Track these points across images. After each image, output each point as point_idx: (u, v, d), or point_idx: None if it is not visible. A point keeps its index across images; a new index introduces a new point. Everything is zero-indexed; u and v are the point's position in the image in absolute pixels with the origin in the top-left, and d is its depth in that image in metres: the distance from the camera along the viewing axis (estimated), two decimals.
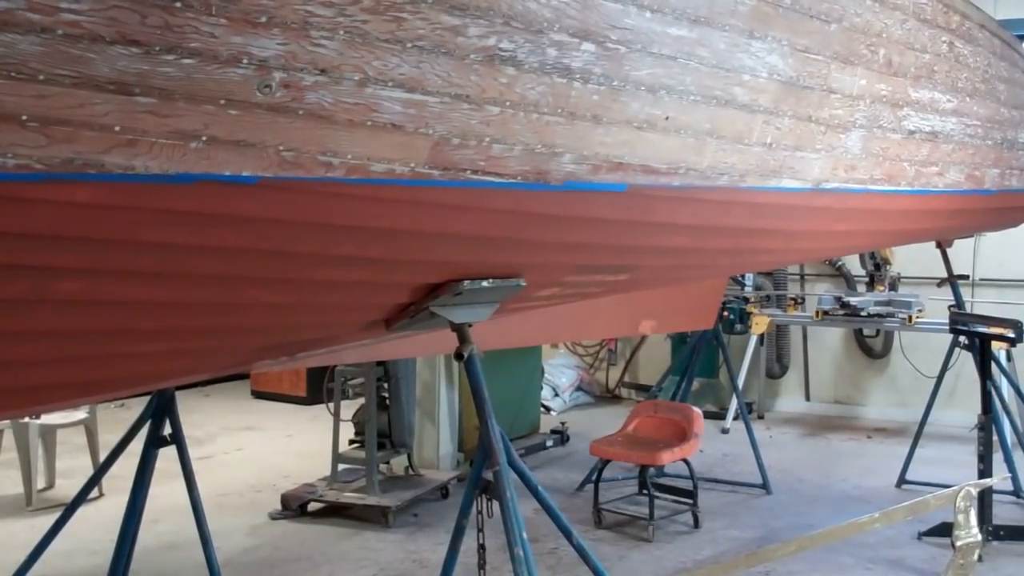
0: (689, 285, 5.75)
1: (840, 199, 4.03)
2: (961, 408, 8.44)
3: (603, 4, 2.67)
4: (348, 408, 6.91)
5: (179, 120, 2.06)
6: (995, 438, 5.74)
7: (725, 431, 8.91)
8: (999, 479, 5.33)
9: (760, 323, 9.01)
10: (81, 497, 4.22)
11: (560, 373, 10.44)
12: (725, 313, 8.61)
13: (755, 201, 3.61)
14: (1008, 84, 5.13)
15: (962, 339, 5.92)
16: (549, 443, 8.23)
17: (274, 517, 6.34)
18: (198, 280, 2.48)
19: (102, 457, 5.02)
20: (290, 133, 2.23)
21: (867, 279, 8.86)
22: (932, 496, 3.78)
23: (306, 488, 6.56)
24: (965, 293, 7.65)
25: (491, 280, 3.12)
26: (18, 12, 1.79)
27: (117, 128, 1.99)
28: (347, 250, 2.66)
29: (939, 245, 6.95)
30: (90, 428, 6.82)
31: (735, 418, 8.82)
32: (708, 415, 7.76)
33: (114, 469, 4.26)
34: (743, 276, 9.21)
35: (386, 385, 6.68)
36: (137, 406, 4.60)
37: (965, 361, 7.54)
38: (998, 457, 5.79)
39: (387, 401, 6.68)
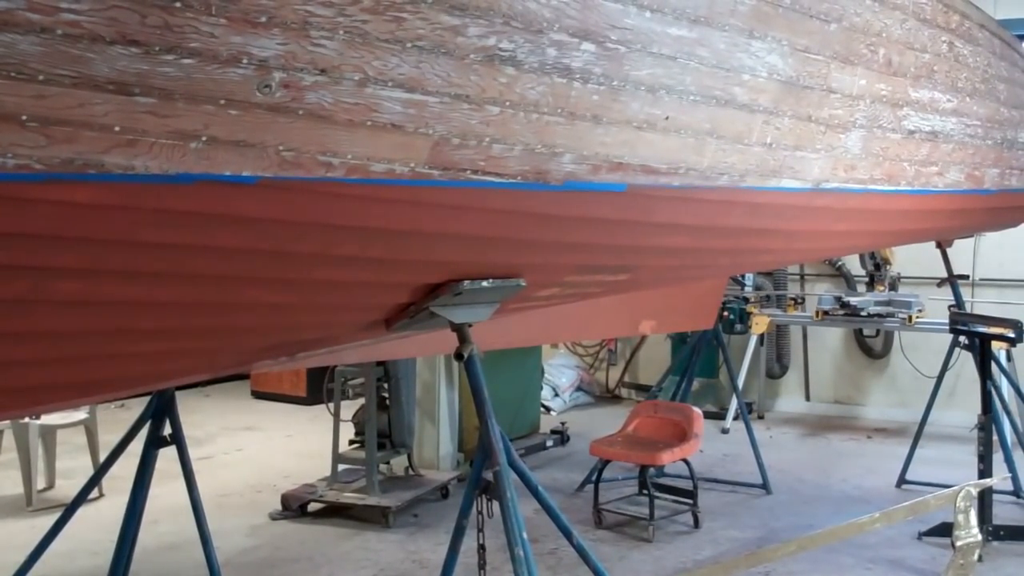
0: (689, 285, 5.75)
1: (840, 199, 4.03)
2: (961, 408, 8.45)
3: (603, 4, 2.66)
4: (348, 408, 6.91)
5: (179, 120, 2.06)
6: (995, 438, 5.74)
7: (725, 431, 8.91)
8: (999, 479, 5.33)
9: (760, 323, 9.01)
10: (81, 497, 4.22)
11: (560, 373, 10.44)
12: (725, 313, 8.62)
13: (755, 201, 3.61)
14: (1008, 84, 5.13)
15: (962, 339, 5.92)
16: (549, 443, 8.23)
17: (274, 517, 6.34)
18: (198, 280, 2.48)
19: (102, 457, 5.02)
20: (290, 133, 2.23)
21: (867, 279, 8.86)
22: (932, 496, 3.77)
23: (306, 488, 6.56)
24: (965, 293, 7.66)
25: (491, 280, 3.12)
26: (18, 12, 1.79)
27: (117, 128, 1.99)
28: (347, 250, 2.66)
29: (939, 245, 6.95)
30: (90, 428, 6.82)
31: (735, 418, 8.82)
32: (708, 415, 7.76)
33: (114, 469, 4.26)
34: (743, 276, 9.22)
35: (386, 385, 6.68)
36: (137, 406, 4.60)
37: (965, 361, 7.54)
38: (998, 457, 5.79)
39: (387, 401, 6.68)
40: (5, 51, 1.81)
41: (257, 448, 8.47)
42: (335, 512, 6.36)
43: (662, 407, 6.75)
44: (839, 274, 9.89)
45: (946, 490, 3.67)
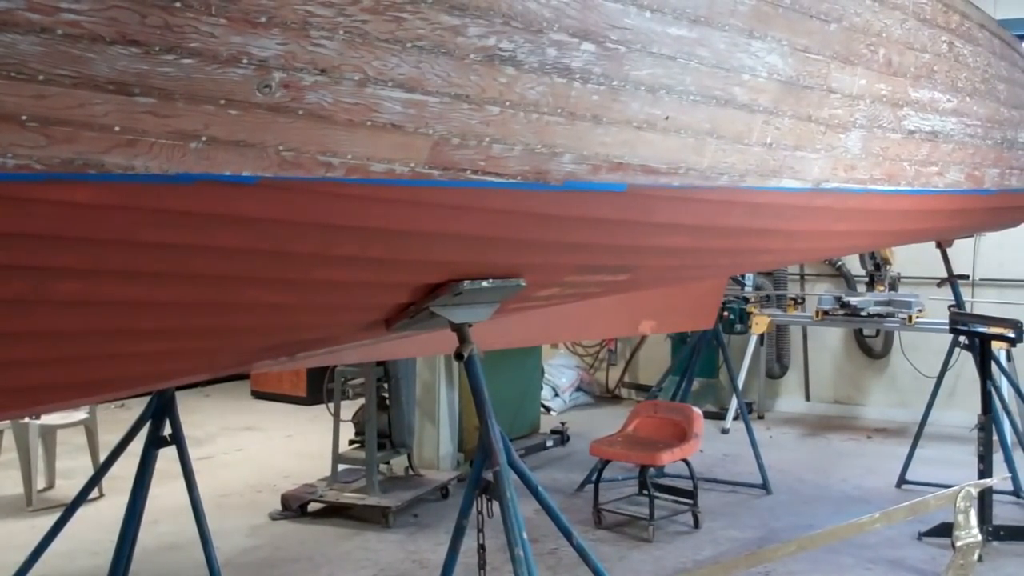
0: (689, 285, 5.75)
1: (840, 199, 4.03)
2: (961, 408, 8.45)
3: (603, 4, 2.66)
4: (348, 408, 6.91)
5: (179, 120, 2.06)
6: (995, 438, 5.74)
7: (725, 431, 8.91)
8: (999, 479, 5.33)
9: (760, 323, 9.01)
10: (81, 497, 4.22)
11: (560, 373, 10.44)
12: (725, 313, 8.62)
13: (755, 201, 3.61)
14: (1008, 84, 5.13)
15: (962, 339, 5.92)
16: (549, 443, 8.23)
17: (274, 517, 6.34)
18: (198, 280, 2.48)
19: (102, 457, 5.02)
20: (290, 133, 2.23)
21: (867, 279, 8.86)
22: (932, 496, 3.77)
23: (306, 488, 6.56)
24: (965, 293, 7.65)
25: (491, 280, 3.12)
26: (18, 12, 1.79)
27: (117, 128, 1.99)
28: (347, 250, 2.66)
29: (939, 245, 6.95)
30: (90, 428, 6.82)
31: (735, 418, 8.82)
32: (708, 415, 7.76)
33: (114, 469, 4.26)
34: (743, 276, 9.21)
35: (386, 385, 6.68)
36: (137, 406, 4.60)
37: (965, 361, 7.54)
38: (998, 457, 5.79)
39: (387, 401, 6.68)
40: (5, 51, 1.81)
41: (257, 448, 8.47)
42: (335, 512, 6.36)
43: (662, 407, 6.75)
44: (839, 274, 9.89)
45: (946, 490, 3.67)
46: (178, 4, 1.95)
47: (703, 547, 5.78)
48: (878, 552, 5.52)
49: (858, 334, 9.80)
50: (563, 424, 8.71)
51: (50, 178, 1.98)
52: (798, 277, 10.13)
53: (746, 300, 9.19)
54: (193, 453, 4.37)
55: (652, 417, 6.56)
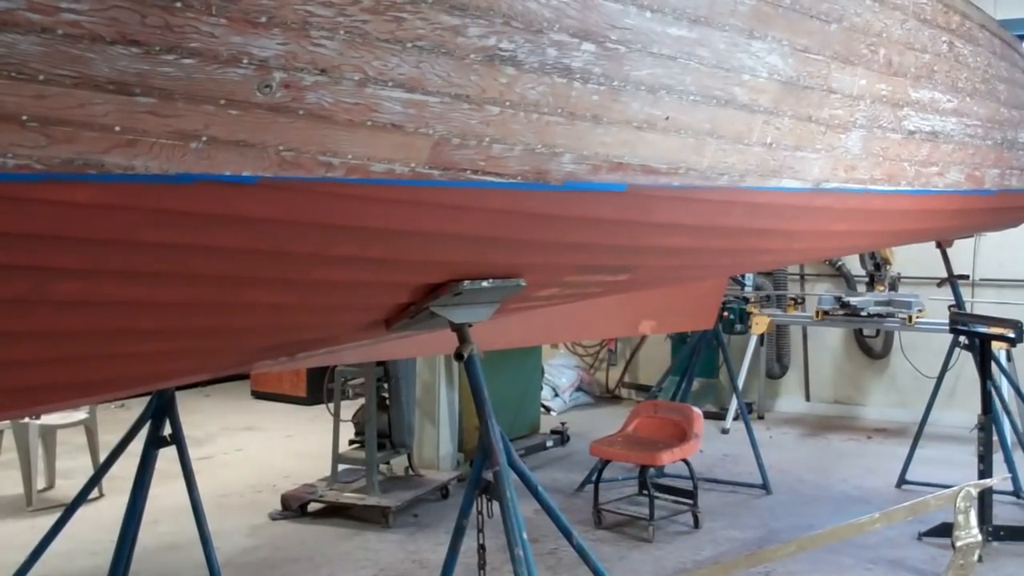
0: (689, 285, 5.75)
1: (840, 199, 4.03)
2: (961, 408, 8.45)
3: (603, 4, 2.66)
4: (348, 408, 6.91)
5: (179, 120, 2.06)
6: (995, 438, 5.74)
7: (725, 431, 8.91)
8: (999, 479, 5.33)
9: (760, 323, 9.01)
10: (81, 497, 4.22)
11: (560, 373, 10.44)
12: (725, 313, 8.61)
13: (755, 201, 3.61)
14: (1008, 84, 5.13)
15: (962, 339, 5.92)
16: (549, 443, 8.23)
17: (274, 517, 6.34)
18: (198, 280, 2.48)
19: (102, 457, 5.02)
20: (290, 133, 2.23)
21: (867, 279, 8.86)
22: (932, 496, 3.77)
23: (306, 488, 6.56)
24: (965, 293, 7.65)
25: (491, 280, 3.12)
26: (18, 12, 1.79)
27: (117, 128, 1.99)
28: (347, 250, 2.66)
29: (939, 245, 6.95)
30: (90, 428, 6.82)
31: (735, 418, 8.81)
32: (708, 415, 7.76)
33: (114, 469, 4.26)
34: (743, 276, 9.22)
35: (386, 385, 6.68)
36: (137, 406, 4.60)
37: (965, 361, 7.54)
38: (998, 457, 5.79)
39: (387, 401, 6.68)
40: (5, 51, 1.81)
41: (257, 448, 8.47)
42: (335, 512, 6.36)
43: (662, 407, 6.75)
44: (839, 274, 9.89)
45: (946, 490, 3.67)
46: (178, 4, 1.95)
47: (703, 547, 5.78)
48: (878, 552, 5.52)
49: (858, 334, 9.80)
50: (563, 424, 8.71)
51: (50, 178, 1.98)
52: (798, 277, 10.14)
53: (746, 300, 9.19)
54: (193, 453, 4.37)
55: (652, 417, 6.56)
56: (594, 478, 6.37)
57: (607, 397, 10.92)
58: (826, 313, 8.47)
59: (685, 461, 6.17)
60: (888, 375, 9.81)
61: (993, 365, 5.87)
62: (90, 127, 1.96)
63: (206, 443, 8.42)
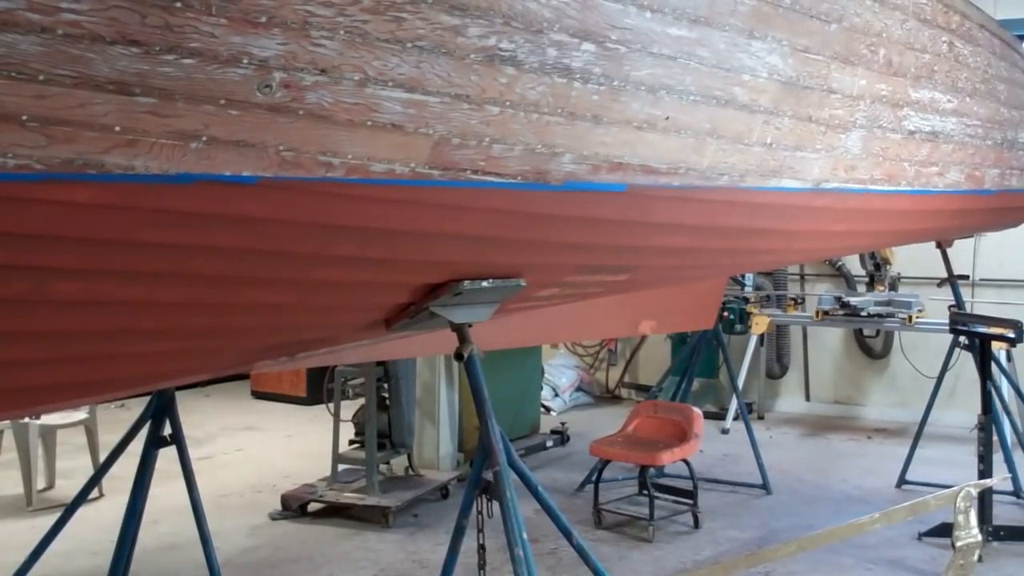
0: (689, 285, 5.75)
1: (840, 199, 4.03)
2: (961, 408, 8.45)
3: (603, 4, 2.66)
4: (348, 408, 6.91)
5: (179, 120, 2.06)
6: (995, 438, 5.74)
7: (725, 431, 8.91)
8: (999, 479, 5.33)
9: (760, 323, 9.01)
10: (81, 497, 4.22)
11: (560, 373, 10.44)
12: (725, 313, 8.61)
13: (755, 201, 3.61)
14: (1008, 84, 5.13)
15: (962, 339, 5.92)
16: (549, 443, 8.23)
17: (274, 517, 6.34)
18: (198, 280, 2.48)
19: (102, 457, 5.02)
20: (290, 133, 2.23)
21: (867, 279, 8.86)
22: (932, 496, 3.77)
23: (306, 488, 6.56)
24: (965, 293, 7.65)
25: (491, 280, 3.12)
26: (18, 12, 1.79)
27: (117, 128, 1.99)
28: (347, 250, 2.66)
29: (939, 245, 6.95)
30: (90, 428, 6.82)
31: (735, 418, 8.81)
32: (708, 415, 7.76)
33: (114, 469, 4.26)
34: (743, 276, 9.21)
35: (386, 385, 6.68)
36: (137, 406, 4.60)
37: (965, 361, 7.54)
38: (998, 457, 5.79)
39: (387, 401, 6.68)
40: (5, 51, 1.81)
41: (257, 448, 8.47)
42: (335, 512, 6.36)
43: (662, 407, 6.75)
44: (839, 274, 9.89)
45: (946, 490, 3.67)
46: (178, 4, 1.95)
47: (703, 547, 5.78)
48: (878, 552, 5.52)
49: (858, 334, 9.80)
50: (563, 424, 8.71)
51: (50, 178, 1.98)
52: (798, 277, 10.13)
53: (746, 300, 9.19)
54: (193, 453, 4.37)
55: (652, 417, 6.56)
56: (594, 478, 6.37)
57: (607, 397, 10.92)
58: (826, 313, 8.47)
59: (685, 461, 6.16)
60: (888, 375, 9.81)
61: (993, 365, 5.87)
62: (90, 127, 1.96)
63: (206, 443, 8.42)
